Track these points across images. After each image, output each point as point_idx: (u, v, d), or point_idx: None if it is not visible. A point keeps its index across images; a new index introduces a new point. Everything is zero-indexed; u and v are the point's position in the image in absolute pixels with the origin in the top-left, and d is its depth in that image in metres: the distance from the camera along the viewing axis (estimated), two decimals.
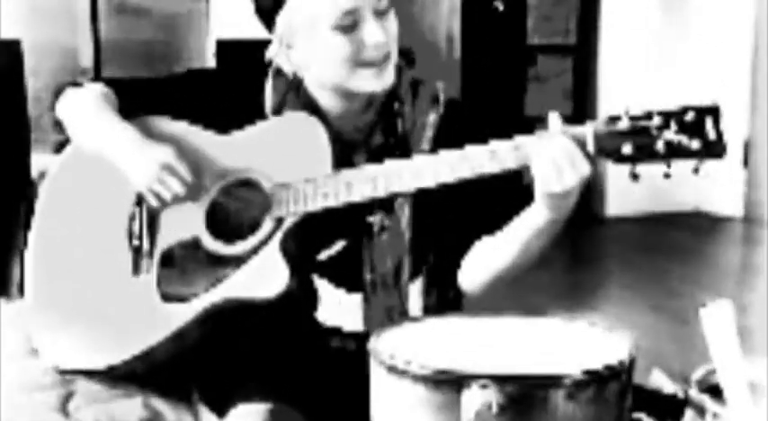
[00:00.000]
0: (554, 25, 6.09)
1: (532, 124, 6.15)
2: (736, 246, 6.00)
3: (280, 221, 1.66)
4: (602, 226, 6.15)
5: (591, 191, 6.31)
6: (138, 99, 1.80)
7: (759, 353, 1.44)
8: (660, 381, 1.59)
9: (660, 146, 1.45)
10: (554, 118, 1.51)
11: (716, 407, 1.30)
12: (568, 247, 5.45)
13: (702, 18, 6.32)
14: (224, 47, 5.19)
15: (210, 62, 5.16)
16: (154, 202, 1.71)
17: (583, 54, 6.22)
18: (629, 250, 5.73)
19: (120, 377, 1.71)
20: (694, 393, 1.33)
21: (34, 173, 4.80)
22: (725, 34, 6.24)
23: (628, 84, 6.22)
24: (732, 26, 6.20)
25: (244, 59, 1.80)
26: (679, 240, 5.85)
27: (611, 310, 4.49)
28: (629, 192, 6.00)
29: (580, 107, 6.21)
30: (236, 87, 1.78)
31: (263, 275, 1.64)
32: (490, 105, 5.79)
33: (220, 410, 1.67)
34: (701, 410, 1.32)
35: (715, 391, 1.32)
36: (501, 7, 5.77)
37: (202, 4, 5.32)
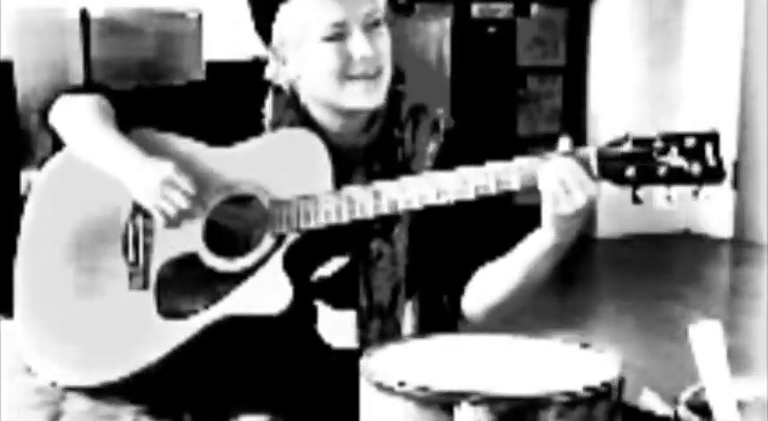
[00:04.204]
0: (543, 46, 6.12)
1: (524, 144, 6.19)
2: (726, 267, 6.02)
3: (280, 238, 1.65)
4: (593, 247, 6.16)
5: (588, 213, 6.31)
6: (135, 109, 1.78)
7: (748, 373, 1.45)
8: (650, 401, 1.60)
9: (662, 170, 1.47)
10: (564, 141, 1.52)
11: None
12: (559, 268, 5.44)
13: (692, 39, 6.36)
14: (213, 68, 5.20)
15: None
16: (161, 220, 1.66)
17: (572, 75, 6.25)
18: (620, 271, 5.74)
19: (113, 395, 1.70)
20: (684, 412, 1.33)
21: (24, 190, 4.80)
22: (714, 55, 6.27)
23: (617, 104, 6.25)
24: (721, 47, 6.23)
25: (241, 76, 1.80)
26: (669, 261, 5.86)
27: (602, 330, 4.49)
28: (620, 214, 6.01)
29: (569, 127, 6.24)
30: (235, 100, 1.77)
31: (266, 292, 1.63)
32: (481, 125, 5.81)
33: None
34: None
35: (704, 411, 1.32)
36: (491, 29, 5.79)
37: (194, 24, 5.33)
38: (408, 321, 1.76)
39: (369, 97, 1.65)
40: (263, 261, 1.65)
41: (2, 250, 1.82)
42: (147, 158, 1.67)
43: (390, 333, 1.72)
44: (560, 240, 1.55)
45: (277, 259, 1.64)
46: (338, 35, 1.61)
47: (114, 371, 1.67)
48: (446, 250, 1.71)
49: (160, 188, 1.63)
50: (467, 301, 1.71)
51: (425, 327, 1.78)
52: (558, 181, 1.48)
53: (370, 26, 1.64)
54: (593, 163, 1.49)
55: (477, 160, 1.59)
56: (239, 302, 1.65)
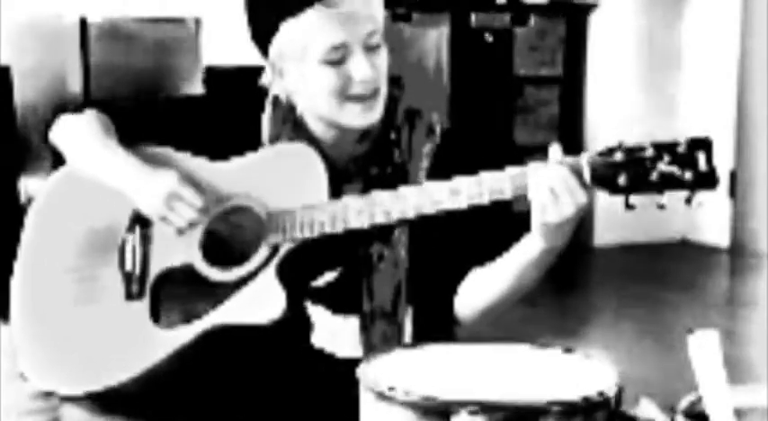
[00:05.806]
0: (541, 56, 6.13)
1: (521, 153, 6.20)
2: (723, 275, 6.02)
3: (275, 248, 1.66)
4: (591, 255, 6.16)
5: (579, 220, 6.32)
6: (134, 124, 1.80)
7: (745, 382, 1.45)
8: (648, 410, 1.60)
9: (654, 177, 1.48)
10: (555, 149, 1.53)
11: None
12: (556, 276, 5.44)
13: (689, 49, 6.37)
14: (212, 73, 5.21)
15: (200, 88, 5.17)
16: (173, 229, 1.69)
17: (569, 85, 6.26)
18: (617, 279, 5.74)
19: (108, 403, 1.70)
20: None
21: (23, 197, 4.80)
22: (712, 65, 6.28)
23: (614, 114, 6.25)
24: (719, 57, 6.25)
25: (237, 86, 1.81)
26: (666, 270, 5.86)
27: (599, 339, 4.49)
28: (617, 222, 6.02)
29: (567, 137, 6.24)
30: (233, 115, 1.78)
31: (259, 302, 1.64)
32: (479, 134, 5.82)
33: None
34: None
35: (701, 420, 1.32)
36: (490, 38, 5.81)
37: (193, 30, 5.34)
38: (408, 329, 1.76)
39: (366, 116, 1.67)
40: (257, 271, 1.66)
41: (1, 255, 1.83)
42: (150, 170, 1.69)
43: (393, 337, 1.72)
44: (549, 246, 1.57)
45: (271, 269, 1.65)
46: (339, 57, 1.62)
47: (109, 379, 1.67)
48: (443, 253, 1.72)
49: (166, 200, 1.65)
50: (459, 303, 1.73)
51: (420, 331, 1.79)
52: (548, 189, 1.50)
53: (371, 47, 1.64)
54: (585, 171, 1.50)
55: (472, 160, 1.62)
56: (232, 312, 1.65)
